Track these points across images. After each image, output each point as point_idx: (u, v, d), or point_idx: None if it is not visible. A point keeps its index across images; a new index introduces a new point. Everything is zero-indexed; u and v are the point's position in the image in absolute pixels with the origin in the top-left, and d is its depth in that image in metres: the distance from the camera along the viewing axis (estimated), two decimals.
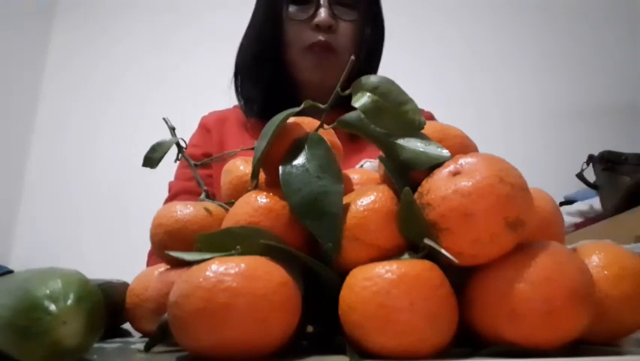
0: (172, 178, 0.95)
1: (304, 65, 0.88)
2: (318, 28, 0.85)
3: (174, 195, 0.90)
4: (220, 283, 0.29)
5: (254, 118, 0.92)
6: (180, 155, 0.53)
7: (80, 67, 2.17)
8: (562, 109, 1.92)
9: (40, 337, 0.27)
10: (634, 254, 0.35)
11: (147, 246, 0.49)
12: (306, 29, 0.87)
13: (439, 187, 0.32)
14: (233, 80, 0.97)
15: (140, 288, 0.45)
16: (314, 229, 0.35)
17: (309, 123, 0.41)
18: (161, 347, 0.37)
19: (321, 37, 0.86)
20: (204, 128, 0.98)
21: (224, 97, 1.00)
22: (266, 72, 0.92)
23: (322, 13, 0.85)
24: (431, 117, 0.99)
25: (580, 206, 1.40)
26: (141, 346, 0.37)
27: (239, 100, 0.97)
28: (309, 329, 0.38)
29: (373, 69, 0.96)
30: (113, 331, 0.49)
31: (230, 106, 1.01)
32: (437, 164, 0.34)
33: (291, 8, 0.88)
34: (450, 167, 0.33)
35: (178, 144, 0.52)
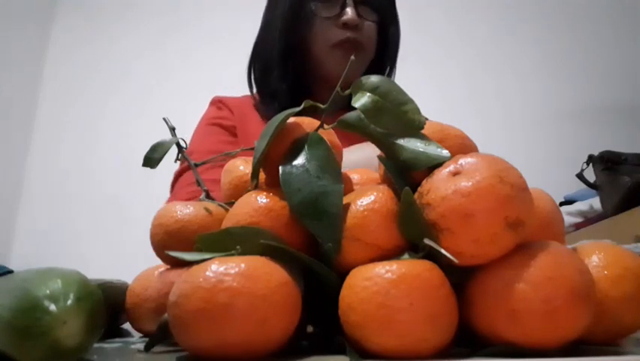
0: (171, 178, 0.94)
1: (332, 61, 0.89)
2: (346, 26, 0.87)
3: (181, 173, 0.89)
4: (220, 283, 0.29)
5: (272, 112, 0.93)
6: (180, 155, 0.53)
7: (79, 67, 2.17)
8: (562, 109, 1.92)
9: (40, 337, 0.27)
10: (634, 254, 0.35)
11: (147, 246, 0.49)
12: (333, 27, 0.88)
13: (439, 187, 0.32)
14: (248, 72, 0.97)
15: (140, 288, 0.45)
16: (314, 229, 0.35)
17: (309, 123, 0.41)
18: (161, 347, 0.37)
19: (349, 35, 0.87)
20: (222, 103, 0.98)
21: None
22: (294, 68, 0.92)
23: (349, 12, 0.87)
24: None
25: (580, 206, 1.40)
26: (141, 346, 0.37)
27: (254, 92, 0.97)
28: (309, 329, 0.38)
29: (394, 70, 0.98)
30: (113, 331, 0.49)
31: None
32: (437, 164, 0.34)
33: (317, 5, 0.89)
34: (450, 167, 0.33)
35: (178, 144, 0.52)
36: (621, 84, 1.92)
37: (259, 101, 0.96)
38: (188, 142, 0.78)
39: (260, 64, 0.97)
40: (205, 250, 0.34)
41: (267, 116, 0.93)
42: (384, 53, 0.95)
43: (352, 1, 0.88)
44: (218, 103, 0.99)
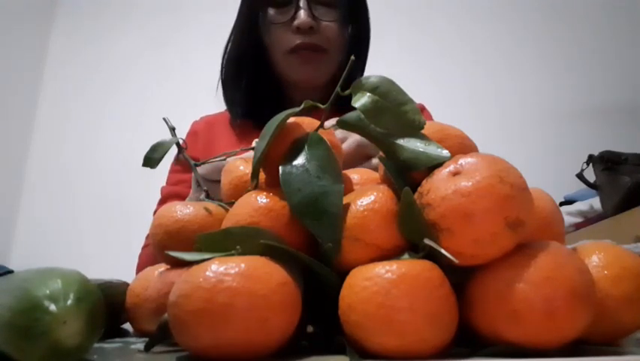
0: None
1: (290, 67, 0.88)
2: (299, 30, 0.84)
3: (164, 200, 0.90)
4: (220, 283, 0.29)
5: (240, 120, 0.93)
6: (180, 155, 0.53)
7: (79, 67, 2.17)
8: (562, 109, 1.92)
9: (40, 337, 0.27)
10: (634, 254, 0.35)
11: None
12: (287, 32, 0.86)
13: (439, 187, 0.32)
14: (222, 85, 0.97)
15: (140, 288, 0.45)
16: (314, 229, 0.35)
17: (309, 123, 0.41)
18: (161, 347, 0.37)
19: (303, 39, 0.85)
20: (192, 132, 0.99)
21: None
22: (247, 76, 0.92)
23: (302, 15, 0.84)
24: (422, 108, 0.99)
25: (580, 206, 1.40)
26: (141, 346, 0.37)
27: (225, 103, 0.98)
28: (309, 329, 0.38)
29: (358, 69, 0.94)
30: (113, 331, 0.49)
31: (224, 109, 1.02)
32: (437, 164, 0.34)
33: (271, 11, 0.87)
34: (450, 167, 0.33)
35: (178, 144, 0.52)
36: (621, 84, 1.92)
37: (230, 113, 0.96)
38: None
39: (222, 76, 0.96)
40: (205, 250, 0.34)
41: (235, 129, 0.93)
42: (352, 53, 0.93)
43: (306, 3, 0.84)
44: (189, 132, 1.00)
